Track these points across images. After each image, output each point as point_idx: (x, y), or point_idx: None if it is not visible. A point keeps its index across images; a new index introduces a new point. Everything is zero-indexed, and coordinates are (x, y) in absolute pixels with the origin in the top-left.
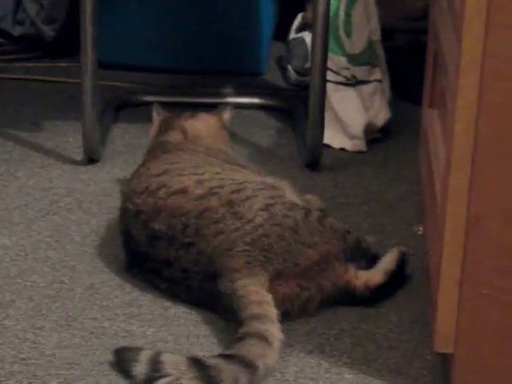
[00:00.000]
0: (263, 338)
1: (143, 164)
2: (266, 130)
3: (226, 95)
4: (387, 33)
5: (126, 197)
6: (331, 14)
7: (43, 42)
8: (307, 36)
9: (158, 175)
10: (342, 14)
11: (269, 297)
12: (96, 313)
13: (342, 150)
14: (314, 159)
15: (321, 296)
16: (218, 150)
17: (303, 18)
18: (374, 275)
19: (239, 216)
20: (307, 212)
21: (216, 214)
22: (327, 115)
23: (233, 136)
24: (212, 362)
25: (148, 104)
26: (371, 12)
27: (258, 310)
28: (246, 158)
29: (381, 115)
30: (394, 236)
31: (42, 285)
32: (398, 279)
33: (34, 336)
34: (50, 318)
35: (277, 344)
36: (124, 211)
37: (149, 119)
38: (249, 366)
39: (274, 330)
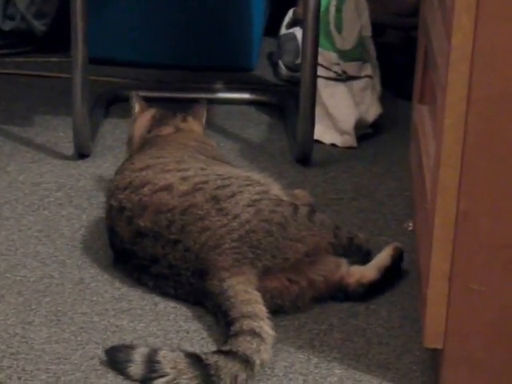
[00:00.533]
0: (256, 335)
1: (128, 158)
2: (257, 126)
3: (216, 91)
4: (378, 28)
5: (110, 193)
6: (322, 9)
7: (34, 37)
8: (298, 32)
9: (141, 170)
10: (332, 9)
11: (258, 295)
12: (86, 308)
13: (333, 145)
14: (305, 155)
15: (312, 291)
16: (207, 145)
17: (294, 13)
18: (368, 272)
19: (225, 212)
20: (295, 208)
21: (201, 211)
22: (318, 111)
23: (223, 131)
24: (211, 359)
25: None
26: (362, 8)
27: (247, 308)
28: (236, 154)
29: (371, 111)
30: (384, 232)
31: (32, 279)
32: (393, 275)
33: (23, 331)
34: (39, 313)
35: (270, 340)
36: (109, 208)
37: None
38: (246, 361)
39: (266, 327)
